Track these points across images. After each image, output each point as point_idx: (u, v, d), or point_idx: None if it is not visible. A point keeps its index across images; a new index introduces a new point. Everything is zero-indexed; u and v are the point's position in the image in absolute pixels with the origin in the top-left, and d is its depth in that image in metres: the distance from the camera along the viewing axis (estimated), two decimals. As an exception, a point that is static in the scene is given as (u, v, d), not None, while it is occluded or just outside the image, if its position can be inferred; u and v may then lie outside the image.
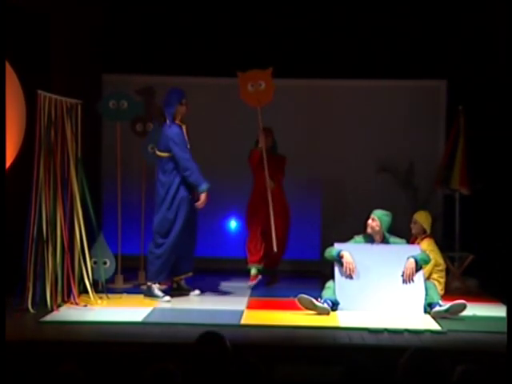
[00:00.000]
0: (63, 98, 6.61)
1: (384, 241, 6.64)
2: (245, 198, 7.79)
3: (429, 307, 6.31)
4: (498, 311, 6.39)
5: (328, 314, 6.20)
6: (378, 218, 6.60)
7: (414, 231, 7.17)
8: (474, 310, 6.35)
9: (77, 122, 6.76)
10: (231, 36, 8.59)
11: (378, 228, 6.60)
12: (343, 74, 8.67)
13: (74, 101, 6.76)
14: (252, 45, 8.57)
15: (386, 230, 6.65)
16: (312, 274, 8.18)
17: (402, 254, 6.50)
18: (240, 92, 7.34)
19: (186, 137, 6.88)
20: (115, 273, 7.38)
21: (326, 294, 6.40)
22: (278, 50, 8.59)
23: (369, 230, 6.65)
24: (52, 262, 6.35)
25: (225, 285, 7.64)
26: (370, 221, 6.63)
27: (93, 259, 6.99)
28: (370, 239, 6.66)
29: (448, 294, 6.93)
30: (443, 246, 7.58)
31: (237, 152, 8.12)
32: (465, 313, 6.21)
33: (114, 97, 7.58)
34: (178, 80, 8.40)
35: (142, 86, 7.94)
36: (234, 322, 5.94)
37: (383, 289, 6.42)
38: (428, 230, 7.13)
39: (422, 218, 7.15)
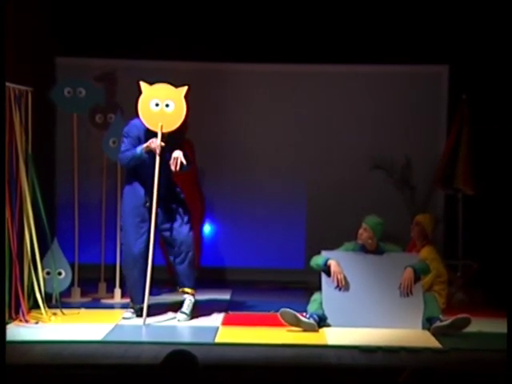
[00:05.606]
0: (11, 85, 6.54)
1: (378, 249, 6.66)
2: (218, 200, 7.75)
3: (428, 322, 6.34)
4: (507, 327, 6.43)
5: (314, 330, 6.22)
6: (371, 228, 6.60)
7: (413, 234, 7.18)
8: (480, 325, 6.37)
9: (27, 113, 6.72)
10: (201, 14, 8.55)
11: (370, 240, 6.62)
12: (332, 59, 8.68)
13: (23, 88, 6.71)
14: (229, 25, 8.58)
15: (379, 239, 6.67)
16: (296, 286, 8.22)
17: (398, 264, 6.54)
18: (139, 108, 6.45)
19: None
20: (71, 285, 7.38)
21: (312, 307, 6.42)
22: (254, 29, 8.56)
23: (360, 242, 6.66)
24: (-3, 273, 6.32)
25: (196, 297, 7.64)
26: (361, 231, 6.64)
27: (45, 270, 6.98)
28: (361, 246, 6.68)
29: (450, 307, 6.96)
30: (445, 254, 7.61)
31: (209, 145, 8.12)
32: (469, 328, 6.24)
33: (70, 84, 7.55)
34: (142, 64, 8.42)
35: (102, 71, 7.91)
36: (207, 339, 5.95)
37: (377, 302, 6.45)
38: (430, 236, 7.16)
39: (426, 221, 7.17)
